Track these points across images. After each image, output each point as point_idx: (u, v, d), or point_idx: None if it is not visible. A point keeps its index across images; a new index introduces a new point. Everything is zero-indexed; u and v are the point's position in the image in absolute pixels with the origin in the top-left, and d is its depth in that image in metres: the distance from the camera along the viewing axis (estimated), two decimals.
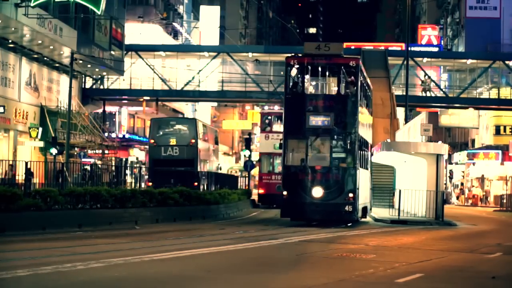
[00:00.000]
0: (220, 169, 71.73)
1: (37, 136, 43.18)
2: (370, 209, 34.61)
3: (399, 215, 32.55)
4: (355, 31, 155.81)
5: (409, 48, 61.07)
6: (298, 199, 26.94)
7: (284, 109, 28.66)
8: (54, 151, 40.01)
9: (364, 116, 30.08)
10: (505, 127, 67.11)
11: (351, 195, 27.06)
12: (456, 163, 68.97)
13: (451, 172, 68.21)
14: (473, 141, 74.40)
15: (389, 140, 41.91)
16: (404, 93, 56.08)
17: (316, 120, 27.37)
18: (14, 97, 42.60)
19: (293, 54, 30.50)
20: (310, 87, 29.37)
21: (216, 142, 54.44)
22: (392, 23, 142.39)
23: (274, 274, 13.71)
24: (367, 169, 32.12)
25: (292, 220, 28.32)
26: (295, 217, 27.97)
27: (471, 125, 72.50)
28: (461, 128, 76.03)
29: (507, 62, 62.79)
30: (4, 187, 22.40)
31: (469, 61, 65.13)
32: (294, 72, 28.33)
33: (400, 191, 34.74)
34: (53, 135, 43.19)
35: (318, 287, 12.42)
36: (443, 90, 65.34)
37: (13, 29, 38.62)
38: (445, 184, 60.18)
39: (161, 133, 44.54)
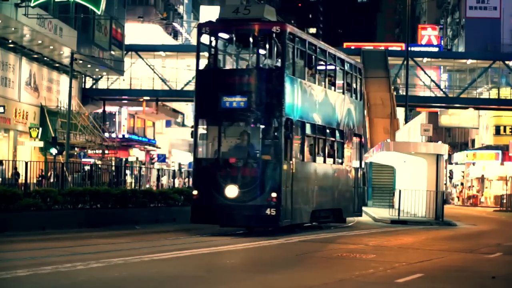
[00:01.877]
0: None
1: (37, 136, 43.22)
2: (356, 211, 28.89)
3: (399, 215, 32.56)
4: (355, 31, 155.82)
5: (409, 48, 61.14)
6: (209, 200, 21.67)
7: (195, 88, 23.37)
8: (54, 151, 40.02)
9: (307, 96, 24.03)
10: (505, 127, 67.16)
11: (274, 195, 21.36)
12: (456, 163, 69.02)
13: (451, 172, 68.25)
14: (473, 141, 74.45)
15: (389, 140, 41.93)
16: (404, 93, 56.12)
17: (230, 101, 22.00)
18: (14, 97, 42.62)
19: (208, 20, 23.64)
20: (224, 60, 23.79)
21: None
22: (392, 23, 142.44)
23: (274, 274, 13.71)
24: (340, 163, 26.79)
25: (221, 226, 23.05)
26: (207, 222, 22.57)
27: (471, 125, 72.56)
28: (461, 128, 76.12)
29: (507, 62, 62.86)
30: (4, 187, 22.42)
31: (469, 61, 65.20)
32: (206, 41, 22.75)
33: (400, 191, 34.76)
34: (53, 135, 43.21)
35: (318, 287, 12.42)
36: (443, 90, 65.40)
37: (13, 29, 38.64)
38: (445, 184, 60.22)
39: None
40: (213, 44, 22.66)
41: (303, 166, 23.63)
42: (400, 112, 67.83)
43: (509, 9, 76.18)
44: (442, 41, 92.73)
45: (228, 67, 23.85)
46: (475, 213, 46.15)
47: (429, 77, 65.30)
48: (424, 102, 66.92)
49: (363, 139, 30.63)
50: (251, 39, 22.58)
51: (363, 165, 30.67)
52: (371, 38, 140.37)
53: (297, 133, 22.96)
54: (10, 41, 40.94)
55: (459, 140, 79.70)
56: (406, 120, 70.97)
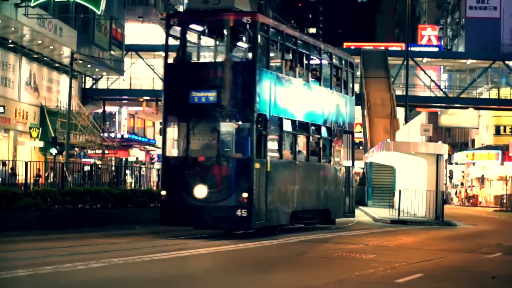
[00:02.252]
0: None
1: (37, 136, 43.26)
2: (347, 212, 27.11)
3: (399, 215, 32.55)
4: (355, 31, 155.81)
5: (409, 48, 61.20)
6: (178, 201, 20.45)
7: (164, 82, 22.23)
8: (54, 151, 40.05)
9: (285, 90, 22.37)
10: (505, 127, 67.15)
11: (245, 195, 20.00)
12: (456, 163, 69.04)
13: (451, 172, 68.25)
14: (473, 141, 74.44)
15: (389, 140, 41.93)
16: (404, 93, 56.14)
17: (199, 96, 20.65)
18: (14, 97, 42.62)
19: (176, 11, 22.33)
20: (194, 52, 22.35)
21: None
22: (392, 23, 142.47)
23: (274, 274, 13.71)
24: (327, 161, 25.26)
25: (195, 228, 21.81)
26: (176, 224, 21.44)
27: (471, 125, 72.57)
28: (461, 128, 76.13)
29: (507, 62, 62.93)
30: (4, 187, 22.43)
31: (469, 61, 65.26)
32: (175, 33, 21.59)
33: (400, 191, 34.74)
34: (53, 135, 43.23)
35: (318, 287, 12.42)
36: (443, 90, 65.42)
37: (13, 29, 38.64)
38: (445, 184, 60.23)
39: None
40: (182, 36, 21.32)
41: (281, 164, 22.05)
42: (400, 112, 67.83)
43: (509, 9, 76.20)
44: (442, 41, 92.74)
45: (198, 60, 22.41)
46: (475, 213, 46.14)
47: (429, 77, 65.32)
48: (424, 102, 66.96)
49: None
50: (220, 31, 21.41)
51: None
52: (371, 38, 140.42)
53: (273, 129, 21.64)
54: (10, 41, 40.95)
55: (459, 140, 79.70)
56: (406, 120, 70.97)
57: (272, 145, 21.59)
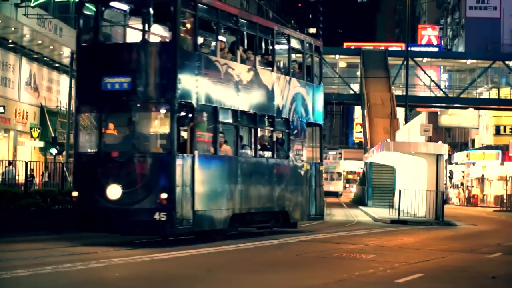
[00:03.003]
0: None
1: (38, 136, 43.27)
2: (312, 215, 24.05)
3: (399, 215, 32.58)
4: (355, 31, 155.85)
5: (409, 48, 61.17)
6: (90, 203, 17.98)
7: (77, 67, 19.83)
8: (54, 151, 40.05)
9: (221, 76, 19.56)
10: (505, 127, 67.12)
11: (164, 196, 17.32)
12: (456, 163, 69.04)
13: (451, 172, 68.25)
14: (473, 141, 74.45)
15: (389, 140, 41.94)
16: (404, 93, 56.14)
17: (112, 83, 18.11)
18: (14, 97, 42.61)
19: None
20: (108, 34, 19.70)
21: None
22: (392, 23, 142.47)
23: (274, 274, 13.71)
24: (284, 157, 22.35)
25: (121, 234, 18.99)
26: (88, 230, 18.70)
27: (471, 125, 72.55)
28: (461, 128, 76.14)
29: (507, 62, 62.94)
30: (4, 187, 22.44)
31: (469, 61, 65.26)
32: (89, 13, 19.33)
33: (400, 191, 34.76)
34: (53, 135, 43.23)
35: (318, 287, 12.42)
36: (443, 90, 65.44)
37: (13, 29, 38.63)
38: (445, 184, 60.22)
39: None
40: (96, 15, 18.85)
41: (214, 160, 19.26)
42: (400, 112, 67.84)
43: (509, 9, 76.20)
44: (442, 41, 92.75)
45: (107, 41, 19.50)
46: (475, 213, 46.14)
47: (429, 77, 65.31)
48: (424, 102, 66.98)
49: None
50: (138, 7, 18.90)
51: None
52: (371, 38, 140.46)
53: (204, 121, 19.18)
54: (10, 41, 40.94)
55: (459, 140, 79.69)
56: (406, 120, 70.98)
57: (201, 138, 19.05)
